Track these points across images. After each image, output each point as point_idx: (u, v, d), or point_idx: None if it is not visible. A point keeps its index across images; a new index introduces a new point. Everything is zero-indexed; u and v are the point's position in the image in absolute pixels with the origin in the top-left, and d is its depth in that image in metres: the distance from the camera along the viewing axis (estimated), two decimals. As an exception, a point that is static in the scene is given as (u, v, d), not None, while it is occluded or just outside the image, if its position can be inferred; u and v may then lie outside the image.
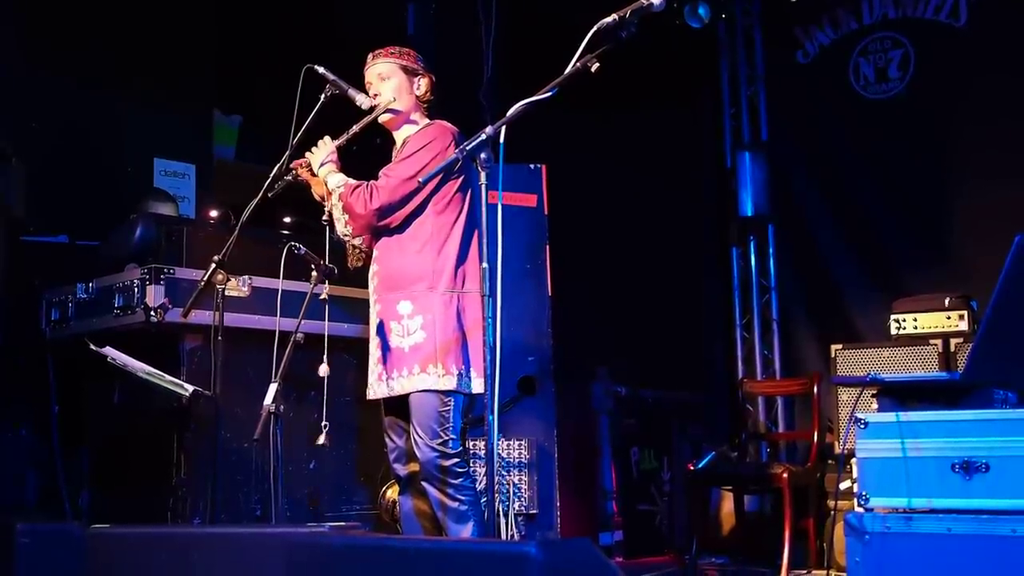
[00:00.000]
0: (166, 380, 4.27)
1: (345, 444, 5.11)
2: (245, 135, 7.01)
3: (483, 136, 3.56)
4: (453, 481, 3.99)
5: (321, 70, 4.12)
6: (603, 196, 7.13)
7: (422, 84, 4.24)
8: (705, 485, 6.34)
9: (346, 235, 4.12)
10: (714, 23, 7.52)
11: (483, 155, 3.56)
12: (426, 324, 3.99)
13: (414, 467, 4.12)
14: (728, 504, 6.67)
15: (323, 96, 4.12)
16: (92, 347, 4.33)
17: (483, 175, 3.56)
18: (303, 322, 4.17)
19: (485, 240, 3.55)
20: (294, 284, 4.45)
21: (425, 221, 4.08)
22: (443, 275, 4.04)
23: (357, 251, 4.28)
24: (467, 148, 3.56)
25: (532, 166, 5.68)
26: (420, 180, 3.87)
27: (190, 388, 4.25)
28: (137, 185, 5.79)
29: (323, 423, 4.10)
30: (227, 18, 6.42)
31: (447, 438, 3.97)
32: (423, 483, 4.04)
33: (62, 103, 5.67)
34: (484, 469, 4.89)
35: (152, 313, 4.45)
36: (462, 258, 4.09)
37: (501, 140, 3.66)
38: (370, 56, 4.25)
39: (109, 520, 3.41)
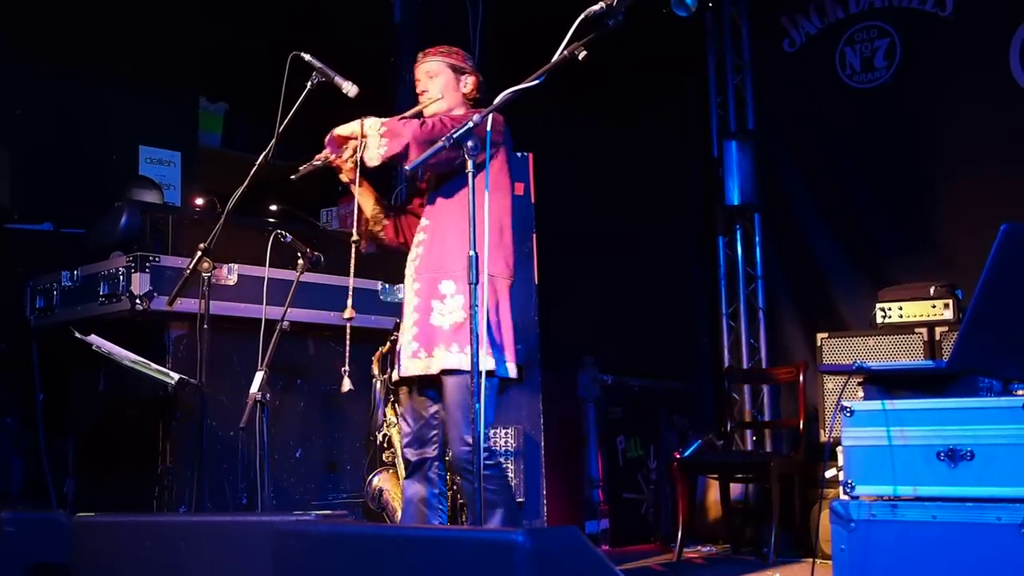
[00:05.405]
0: (152, 368, 4.26)
1: (331, 432, 5.10)
2: (231, 123, 6.99)
3: (470, 124, 3.57)
4: (483, 472, 4.00)
5: (307, 57, 4.11)
6: (590, 184, 7.13)
7: (468, 82, 4.28)
8: (691, 473, 6.35)
9: (373, 161, 3.97)
10: (701, 12, 7.53)
11: (470, 143, 3.57)
12: (467, 304, 4.00)
13: (426, 453, 4.13)
14: (714, 492, 6.68)
15: (309, 84, 4.11)
16: (77, 335, 4.31)
17: (470, 163, 3.57)
18: (289, 310, 4.17)
19: (473, 227, 3.55)
20: (280, 272, 4.45)
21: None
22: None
23: (369, 239, 4.35)
24: (454, 136, 3.56)
25: (519, 154, 5.66)
26: (408, 168, 3.87)
27: (176, 376, 4.24)
28: (122, 173, 5.75)
29: (344, 368, 4.06)
30: (213, 5, 6.39)
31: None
32: (459, 476, 4.06)
33: (47, 90, 5.64)
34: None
35: (137, 301, 4.43)
36: (501, 244, 4.13)
37: (488, 128, 3.67)
38: (420, 54, 4.30)
39: (94, 508, 3.40)
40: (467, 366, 3.92)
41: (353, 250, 4.13)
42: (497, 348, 4.03)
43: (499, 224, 4.12)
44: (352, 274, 4.05)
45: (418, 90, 4.27)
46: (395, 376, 4.21)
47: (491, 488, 4.02)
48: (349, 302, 4.02)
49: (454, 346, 3.99)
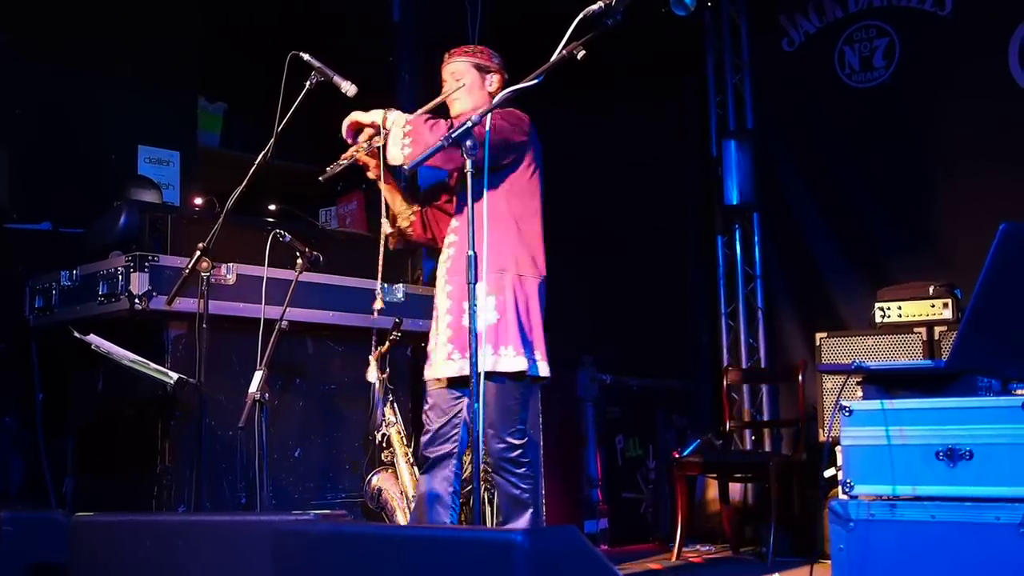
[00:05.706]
0: (151, 368, 4.26)
1: (330, 432, 5.10)
2: (230, 122, 6.98)
3: (468, 123, 3.56)
4: (517, 471, 4.06)
5: (306, 57, 4.11)
6: (589, 184, 7.12)
7: (493, 81, 4.31)
8: (690, 473, 6.36)
9: (397, 161, 3.95)
10: (700, 11, 7.52)
11: (469, 142, 3.56)
12: (499, 304, 4.03)
13: (444, 450, 4.14)
14: (713, 492, 6.69)
15: (308, 83, 4.11)
16: (76, 335, 4.31)
17: (468, 163, 3.56)
18: (288, 310, 4.17)
19: (471, 228, 3.55)
20: (279, 271, 4.45)
21: (500, 206, 4.11)
22: (513, 259, 4.08)
23: (397, 236, 4.37)
24: (453, 135, 3.55)
25: (518, 154, 5.66)
26: (406, 168, 3.87)
27: (175, 376, 4.23)
28: (121, 172, 5.74)
29: (370, 356, 4.31)
30: (212, 4, 6.38)
31: (516, 428, 4.05)
32: (495, 474, 4.08)
33: (46, 90, 5.63)
34: (470, 456, 4.90)
35: (136, 300, 4.43)
36: (530, 243, 4.15)
37: (487, 127, 3.67)
38: (446, 55, 4.33)
39: (93, 508, 3.41)
40: (501, 368, 3.95)
41: (381, 245, 4.16)
42: (528, 347, 4.05)
43: (520, 223, 4.12)
44: (380, 269, 4.15)
45: (444, 91, 4.30)
46: (427, 374, 4.22)
47: (526, 488, 4.08)
48: (379, 294, 4.15)
49: (488, 348, 4.00)
